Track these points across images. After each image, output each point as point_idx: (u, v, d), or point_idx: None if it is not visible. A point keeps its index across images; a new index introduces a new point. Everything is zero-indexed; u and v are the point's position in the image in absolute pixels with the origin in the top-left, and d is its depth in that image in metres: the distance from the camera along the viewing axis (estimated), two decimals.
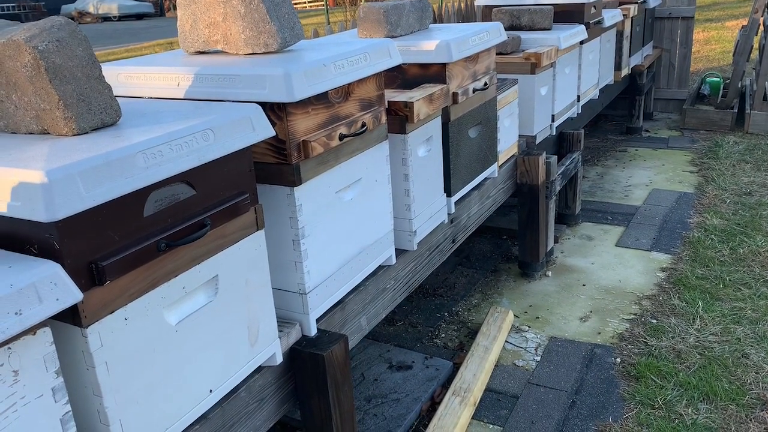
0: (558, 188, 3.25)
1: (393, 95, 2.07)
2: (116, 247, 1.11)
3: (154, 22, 23.03)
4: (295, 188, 1.52)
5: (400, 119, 1.97)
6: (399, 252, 2.07)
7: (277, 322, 1.61)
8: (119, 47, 15.16)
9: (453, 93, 2.26)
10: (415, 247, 2.11)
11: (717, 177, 4.21)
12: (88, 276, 1.07)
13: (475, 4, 3.85)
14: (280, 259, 1.60)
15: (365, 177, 1.80)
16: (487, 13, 3.67)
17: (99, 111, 1.20)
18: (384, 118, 1.84)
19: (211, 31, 1.68)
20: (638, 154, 4.88)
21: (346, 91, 1.67)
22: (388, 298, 2.01)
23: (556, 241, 3.47)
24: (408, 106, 1.94)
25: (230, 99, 1.49)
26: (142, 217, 1.16)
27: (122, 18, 25.31)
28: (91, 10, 26.14)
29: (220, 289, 1.34)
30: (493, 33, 2.46)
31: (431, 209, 2.20)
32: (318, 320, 1.68)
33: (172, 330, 1.24)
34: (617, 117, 5.74)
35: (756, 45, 5.62)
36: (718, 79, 6.04)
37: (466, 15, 4.57)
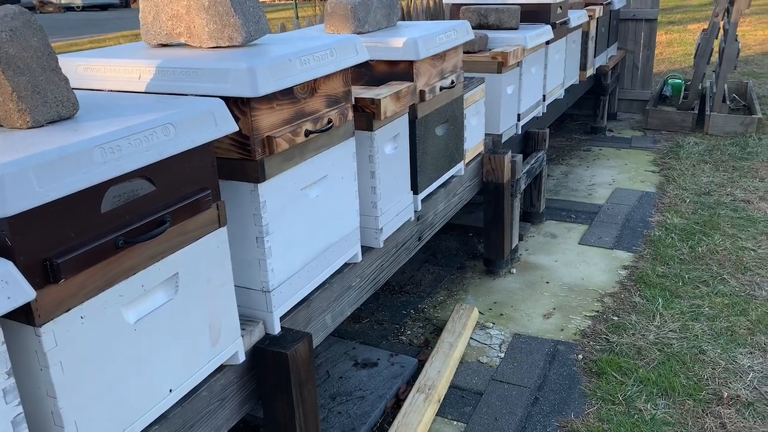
0: (523, 187, 3.28)
1: (360, 92, 2.06)
2: (72, 243, 1.08)
3: (118, 13, 22.53)
4: (259, 185, 1.50)
5: (366, 116, 1.96)
6: (365, 249, 2.07)
7: (241, 320, 1.59)
8: (82, 38, 14.80)
9: (420, 91, 2.26)
10: (381, 245, 2.10)
11: (678, 177, 4.31)
12: (42, 274, 1.04)
13: (443, 1, 3.86)
14: (244, 257, 1.58)
15: (331, 174, 1.78)
16: (455, 12, 3.68)
17: (55, 103, 1.17)
18: (350, 115, 1.83)
19: (174, 23, 1.64)
20: (602, 154, 4.96)
21: (312, 87, 1.65)
22: (353, 295, 2.00)
23: (520, 238, 3.50)
24: (375, 103, 1.93)
25: (193, 93, 1.46)
26: (100, 213, 1.13)
27: (86, 8, 24.68)
28: None
29: (181, 287, 1.31)
30: (461, 31, 2.46)
31: (398, 207, 2.20)
32: (282, 318, 1.67)
33: (131, 329, 1.21)
34: (582, 116, 5.83)
35: (716, 48, 5.77)
36: (680, 81, 6.19)
37: (435, 13, 4.58)
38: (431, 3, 4.59)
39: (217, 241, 1.40)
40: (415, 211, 2.37)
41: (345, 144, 1.83)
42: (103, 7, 24.51)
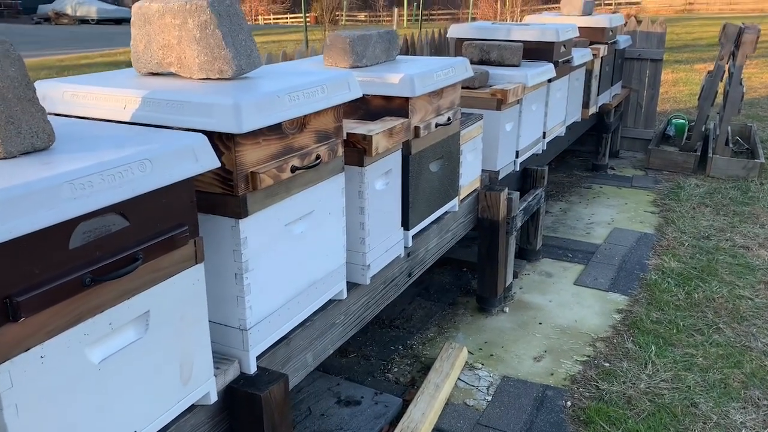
0: (519, 224, 3.25)
1: (354, 126, 2.04)
2: (36, 281, 1.05)
3: None
4: (240, 220, 1.47)
5: (358, 152, 1.94)
6: (351, 285, 2.03)
7: (216, 357, 1.54)
8: (93, 51, 14.96)
9: (415, 127, 2.24)
10: (368, 282, 2.06)
11: (677, 219, 4.27)
12: (1, 312, 1.01)
13: (447, 35, 3.87)
14: (222, 293, 1.54)
15: (318, 209, 1.75)
16: (459, 46, 3.69)
17: (29, 135, 1.14)
18: (340, 151, 1.81)
19: (165, 53, 1.63)
20: (602, 192, 4.93)
21: (301, 123, 1.63)
22: (337, 333, 1.96)
23: (515, 276, 3.46)
24: (366, 139, 1.91)
25: (178, 126, 1.44)
26: (67, 250, 1.09)
27: (100, 21, 24.99)
28: (69, 11, 25.76)
29: (152, 325, 1.28)
30: (459, 69, 2.45)
31: (387, 243, 2.16)
32: (260, 357, 1.62)
33: (95, 368, 1.17)
34: (584, 153, 5.81)
35: (721, 90, 5.77)
36: (684, 121, 6.18)
37: (439, 45, 4.59)
38: (436, 35, 4.61)
39: (192, 278, 1.36)
40: (405, 248, 2.33)
41: (334, 179, 1.80)
42: (118, 21, 24.81)
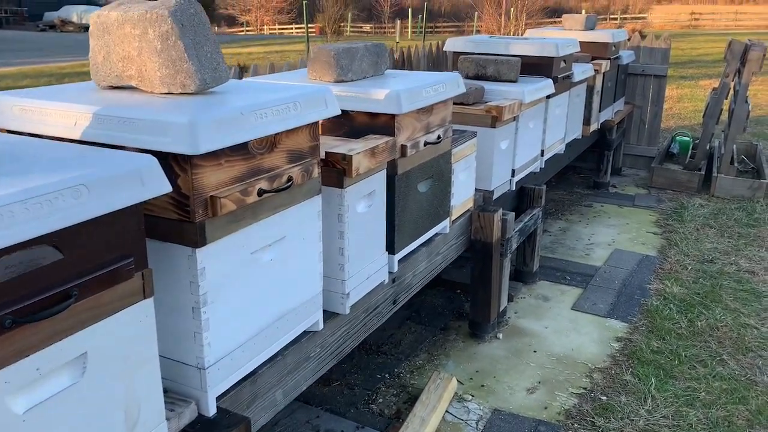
0: (514, 246, 3.11)
1: (334, 144, 1.92)
2: None
3: None
4: (197, 249, 1.34)
5: (337, 172, 1.81)
6: (329, 315, 1.90)
7: (171, 398, 1.41)
8: None
9: (401, 146, 2.12)
10: (348, 311, 1.93)
11: (680, 241, 4.13)
12: None
13: (445, 49, 3.76)
14: (178, 328, 1.41)
15: (290, 235, 1.63)
16: (456, 59, 3.57)
17: None
18: (316, 171, 1.68)
19: (125, 65, 1.51)
20: (603, 211, 4.79)
21: (271, 142, 1.51)
22: (311, 367, 1.82)
23: (510, 299, 3.32)
24: (346, 159, 1.78)
25: (131, 146, 1.32)
26: None
27: None
28: (75, 19, 25.84)
29: (89, 368, 1.14)
30: (450, 85, 2.33)
31: (370, 269, 2.03)
32: (221, 397, 1.49)
33: (18, 420, 1.04)
34: (586, 169, 5.68)
35: (726, 108, 5.65)
36: (688, 139, 6.05)
37: (437, 59, 4.48)
38: (434, 48, 4.50)
39: (139, 315, 1.23)
40: (390, 273, 2.20)
41: (309, 202, 1.68)
42: None
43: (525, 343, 2.94)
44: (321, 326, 1.82)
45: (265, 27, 34.90)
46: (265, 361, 1.63)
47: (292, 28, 33.31)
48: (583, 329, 3.06)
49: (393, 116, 2.05)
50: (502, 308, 3.07)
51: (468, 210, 2.82)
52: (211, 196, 1.34)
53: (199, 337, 1.39)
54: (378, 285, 2.11)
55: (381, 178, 2.03)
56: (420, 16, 22.21)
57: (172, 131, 1.26)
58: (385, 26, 35.09)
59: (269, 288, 1.58)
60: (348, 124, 2.13)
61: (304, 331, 1.79)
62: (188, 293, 1.37)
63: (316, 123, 1.65)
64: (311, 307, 1.77)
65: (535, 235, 3.45)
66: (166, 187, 1.20)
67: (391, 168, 2.10)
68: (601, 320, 3.14)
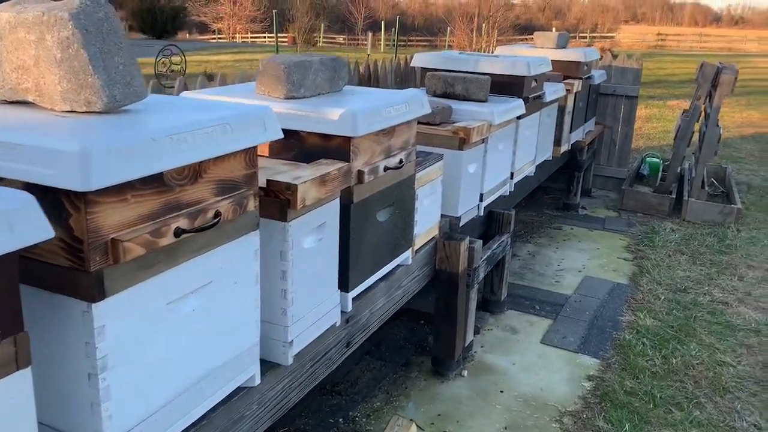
0: (482, 275, 2.91)
1: (280, 169, 1.69)
2: None
3: None
4: (94, 305, 1.09)
5: (281, 203, 1.58)
6: (269, 366, 1.66)
7: None
8: None
9: (358, 171, 1.90)
10: (291, 361, 1.69)
11: (652, 268, 3.99)
12: None
13: (412, 64, 3.56)
14: (73, 397, 1.16)
15: (218, 280, 1.39)
16: (424, 76, 3.38)
17: None
18: (253, 204, 1.45)
19: (20, 76, 1.26)
20: (573, 234, 4.64)
21: (194, 171, 1.27)
22: (247, 427, 1.58)
23: (477, 332, 3.11)
24: (291, 189, 1.56)
25: (11, 177, 1.07)
26: None
27: None
28: None
29: None
30: (415, 105, 2.12)
31: (318, 311, 1.80)
32: None
33: None
34: (555, 190, 5.54)
35: (697, 129, 5.58)
36: (658, 160, 5.97)
37: (405, 74, 4.29)
38: (401, 63, 4.31)
39: (14, 390, 0.98)
40: (343, 313, 1.97)
41: (243, 240, 1.44)
42: None
43: (491, 381, 2.73)
44: (258, 381, 1.58)
45: (237, 35, 34.54)
46: (188, 426, 1.39)
47: (264, 37, 33.00)
48: (552, 366, 2.87)
49: (348, 139, 1.84)
50: (467, 343, 2.86)
51: (433, 238, 2.61)
52: (111, 239, 1.10)
53: (98, 408, 1.14)
54: (329, 328, 1.87)
55: (333, 207, 1.81)
56: (393, 29, 22.14)
57: (60, 162, 1.02)
58: (358, 38, 35.05)
59: (192, 343, 1.34)
60: (299, 146, 1.91)
61: (238, 387, 1.54)
62: (83, 357, 1.12)
63: (254, 148, 1.42)
64: (246, 361, 1.53)
65: (503, 263, 3.26)
66: (46, 233, 0.95)
67: (346, 196, 1.88)
68: (571, 356, 2.96)
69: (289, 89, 1.96)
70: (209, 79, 2.92)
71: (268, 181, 1.56)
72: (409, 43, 33.02)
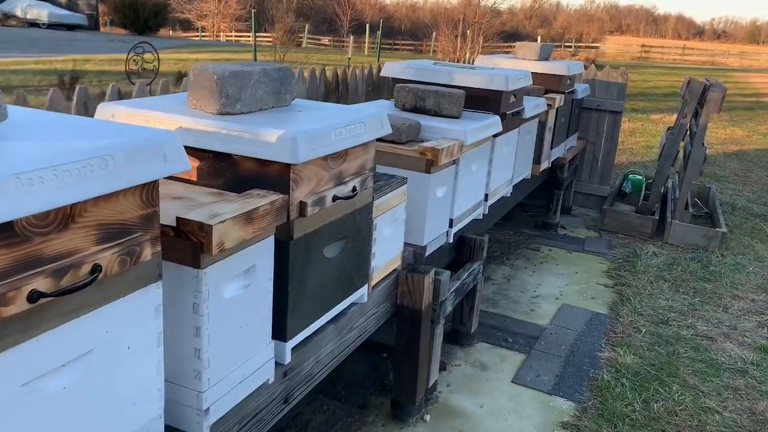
0: (449, 309, 2.66)
1: (201, 201, 1.42)
2: None
3: (84, 35, 21.72)
4: None
5: (193, 246, 1.31)
6: None
7: None
8: (30, 57, 13.97)
9: (300, 203, 1.63)
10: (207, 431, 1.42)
11: (633, 296, 3.76)
12: None
13: (382, 73, 3.30)
14: None
15: (102, 347, 1.11)
16: (393, 86, 3.12)
17: None
18: (149, 252, 1.18)
19: None
20: (551, 256, 4.41)
21: (65, 215, 1.00)
22: None
23: (443, 367, 2.85)
24: (205, 230, 1.28)
25: None
26: None
27: (51, 26, 23.79)
28: (19, 13, 24.51)
29: None
30: (371, 125, 1.86)
31: (246, 368, 1.53)
32: None
33: None
34: (534, 207, 5.31)
35: (681, 147, 5.39)
36: (641, 178, 5.78)
37: (377, 82, 4.03)
38: (375, 70, 4.05)
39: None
40: (280, 365, 1.70)
41: (137, 296, 1.17)
42: (71, 27, 23.67)
43: (456, 428, 2.47)
44: None
45: (221, 33, 34.07)
46: None
47: (249, 36, 32.59)
48: (524, 410, 2.62)
49: (288, 166, 1.57)
50: (431, 384, 2.60)
51: (394, 270, 2.35)
52: None
53: None
54: (260, 387, 1.60)
55: (266, 247, 1.54)
56: (378, 32, 21.90)
57: None
58: (344, 40, 34.74)
59: (65, 426, 1.06)
60: (231, 172, 1.64)
61: None
62: None
63: (152, 183, 1.15)
64: None
65: (474, 292, 3.01)
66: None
67: (284, 231, 1.61)
68: (545, 398, 2.71)
69: (222, 104, 1.69)
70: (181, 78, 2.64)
71: (177, 219, 1.29)
72: (394, 46, 32.82)
